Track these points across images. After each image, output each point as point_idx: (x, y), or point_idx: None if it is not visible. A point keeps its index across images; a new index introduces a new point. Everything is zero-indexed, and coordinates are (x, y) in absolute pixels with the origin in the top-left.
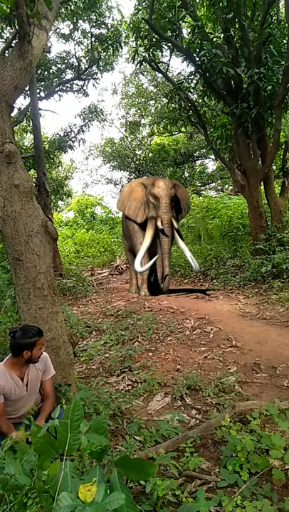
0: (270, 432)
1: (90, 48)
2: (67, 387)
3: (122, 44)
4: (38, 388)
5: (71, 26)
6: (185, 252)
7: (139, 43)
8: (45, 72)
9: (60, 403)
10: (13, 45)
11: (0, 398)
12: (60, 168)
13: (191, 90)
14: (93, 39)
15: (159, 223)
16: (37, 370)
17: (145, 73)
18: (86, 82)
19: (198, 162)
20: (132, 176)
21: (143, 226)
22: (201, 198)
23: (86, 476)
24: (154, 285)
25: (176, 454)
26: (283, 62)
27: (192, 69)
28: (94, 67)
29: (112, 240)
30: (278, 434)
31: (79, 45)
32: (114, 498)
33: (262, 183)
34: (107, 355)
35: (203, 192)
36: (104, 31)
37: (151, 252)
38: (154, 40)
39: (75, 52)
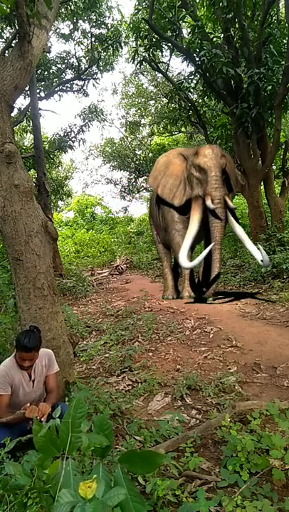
0: (271, 432)
1: (90, 47)
2: (72, 385)
3: (122, 44)
4: (42, 384)
5: (71, 26)
6: (245, 240)
7: (139, 43)
8: (45, 72)
9: (67, 396)
10: (13, 45)
11: (8, 389)
12: (60, 168)
13: (191, 90)
14: (93, 39)
15: (208, 202)
16: (42, 366)
17: (145, 73)
18: (86, 82)
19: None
20: (132, 176)
21: (181, 211)
22: None
23: (89, 475)
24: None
25: (176, 454)
26: (283, 62)
27: (192, 69)
28: (94, 67)
29: (112, 239)
30: (278, 434)
31: (79, 45)
32: (115, 494)
33: (262, 183)
34: (107, 355)
35: None
36: (104, 31)
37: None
38: (154, 40)
39: (75, 52)
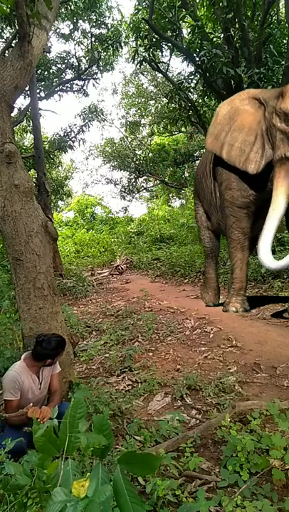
0: (270, 432)
1: (90, 48)
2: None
3: (122, 44)
4: (48, 385)
5: (71, 26)
6: None
7: (139, 43)
8: (45, 72)
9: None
10: (13, 45)
11: (17, 394)
12: (60, 168)
13: (191, 90)
14: (93, 39)
15: None
16: (49, 368)
17: (145, 73)
18: (86, 82)
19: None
20: (132, 176)
21: (256, 182)
22: None
23: (88, 475)
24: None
25: (176, 454)
26: (283, 62)
27: (192, 69)
28: (94, 67)
29: (112, 240)
30: (278, 434)
31: (79, 45)
32: (102, 491)
33: None
34: (107, 355)
35: None
36: (104, 31)
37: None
38: (154, 40)
39: (75, 52)
